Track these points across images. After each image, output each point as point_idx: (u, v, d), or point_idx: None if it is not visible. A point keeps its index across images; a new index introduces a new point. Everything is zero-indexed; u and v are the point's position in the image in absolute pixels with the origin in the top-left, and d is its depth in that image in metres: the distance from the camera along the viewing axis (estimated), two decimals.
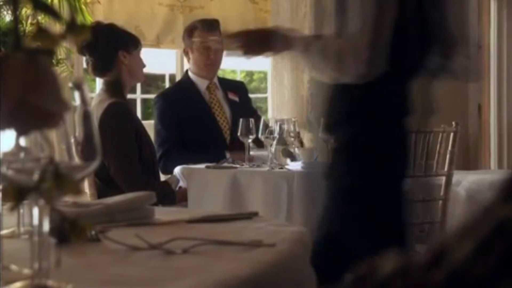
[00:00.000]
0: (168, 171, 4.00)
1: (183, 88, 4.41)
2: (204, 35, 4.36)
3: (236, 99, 4.45)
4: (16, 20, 0.88)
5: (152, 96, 6.27)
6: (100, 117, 3.46)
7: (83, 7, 4.51)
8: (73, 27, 0.83)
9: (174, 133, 4.22)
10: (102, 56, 3.65)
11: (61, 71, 4.33)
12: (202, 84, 4.39)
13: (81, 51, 3.69)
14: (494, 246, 0.51)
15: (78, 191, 0.90)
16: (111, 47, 3.66)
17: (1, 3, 4.22)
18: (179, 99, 4.31)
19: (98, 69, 3.68)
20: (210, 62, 4.35)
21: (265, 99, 6.13)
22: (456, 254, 0.52)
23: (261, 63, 6.40)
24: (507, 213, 0.52)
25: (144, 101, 6.12)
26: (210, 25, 4.41)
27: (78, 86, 0.98)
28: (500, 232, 0.51)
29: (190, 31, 4.42)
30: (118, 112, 3.54)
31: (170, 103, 4.30)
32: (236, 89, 4.53)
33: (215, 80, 4.45)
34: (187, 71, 4.51)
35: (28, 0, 0.86)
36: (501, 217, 0.52)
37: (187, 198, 3.65)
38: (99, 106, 3.49)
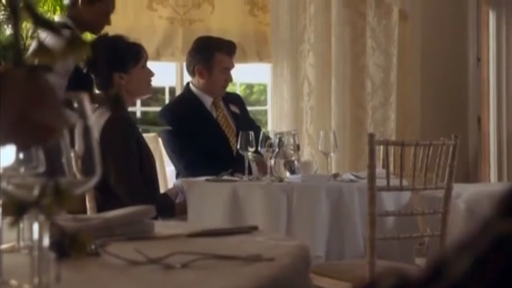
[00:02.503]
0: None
1: (188, 103, 4.41)
2: (228, 59, 4.38)
3: (237, 111, 4.48)
4: (17, 35, 0.88)
5: (152, 109, 6.28)
6: (102, 129, 3.46)
7: None
8: (73, 44, 0.84)
9: (190, 144, 4.24)
10: (99, 75, 3.65)
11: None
12: (207, 99, 4.40)
13: (83, 66, 3.68)
14: (492, 262, 0.51)
15: (78, 206, 0.91)
16: (106, 68, 3.63)
17: (2, 18, 4.23)
18: (186, 113, 4.32)
19: (98, 86, 3.68)
20: (227, 83, 4.41)
21: (265, 111, 6.14)
22: (454, 270, 0.53)
23: (261, 76, 6.42)
24: (505, 228, 0.52)
25: (144, 113, 6.12)
26: (231, 47, 4.44)
27: (78, 100, 0.98)
28: (498, 247, 0.51)
29: (209, 51, 4.39)
30: (119, 124, 3.54)
31: (178, 116, 4.31)
32: (235, 101, 4.55)
33: None
34: (188, 85, 4.49)
35: (29, 16, 0.86)
36: (499, 232, 0.52)
37: (187, 211, 3.65)
38: (100, 118, 3.49)
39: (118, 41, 3.73)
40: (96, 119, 3.45)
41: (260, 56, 5.79)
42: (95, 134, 0.99)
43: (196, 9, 5.62)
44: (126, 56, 3.66)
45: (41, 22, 0.87)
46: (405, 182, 3.19)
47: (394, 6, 5.89)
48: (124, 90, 3.62)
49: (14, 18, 0.87)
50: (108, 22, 4.19)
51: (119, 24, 5.09)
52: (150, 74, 3.76)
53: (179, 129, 4.27)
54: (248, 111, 4.74)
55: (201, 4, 5.64)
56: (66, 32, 3.90)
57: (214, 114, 4.40)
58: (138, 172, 3.57)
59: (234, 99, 4.61)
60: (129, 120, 3.66)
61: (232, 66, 4.42)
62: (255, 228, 1.79)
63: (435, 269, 0.54)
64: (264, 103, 6.14)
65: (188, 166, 4.24)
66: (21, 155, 0.94)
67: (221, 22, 5.63)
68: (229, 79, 4.42)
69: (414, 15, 5.98)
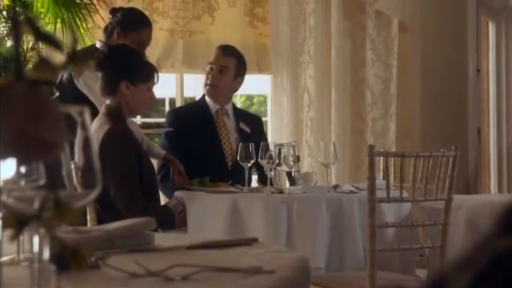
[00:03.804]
0: (165, 184, 4.11)
1: (195, 107, 4.48)
2: (213, 57, 4.41)
3: (247, 130, 4.44)
4: (18, 49, 0.89)
5: (151, 120, 6.29)
6: (101, 141, 3.46)
7: (83, 31, 4.54)
8: (73, 57, 0.84)
9: (178, 147, 4.24)
10: (107, 79, 3.64)
11: None
12: (214, 107, 4.41)
13: (95, 67, 3.69)
14: (492, 279, 0.51)
15: (79, 220, 0.91)
16: (116, 73, 3.63)
17: (3, 30, 4.25)
18: (190, 116, 4.36)
19: (103, 89, 3.67)
20: (208, 82, 4.38)
21: (265, 122, 6.14)
22: (453, 286, 0.53)
23: (261, 87, 6.43)
24: (504, 246, 0.52)
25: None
26: (224, 48, 4.48)
27: (79, 113, 0.99)
28: (498, 265, 0.51)
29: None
30: (119, 136, 3.53)
31: (179, 118, 4.36)
32: (249, 121, 4.52)
33: (228, 107, 4.46)
34: (204, 94, 4.53)
35: (29, 30, 0.87)
36: (498, 250, 0.52)
37: (187, 222, 3.64)
38: (100, 130, 3.49)
39: (138, 54, 3.75)
40: (96, 131, 3.45)
41: (260, 68, 5.80)
42: (95, 146, 0.99)
43: (196, 20, 5.64)
44: (140, 70, 3.67)
45: (42, 36, 0.87)
46: (405, 194, 3.19)
47: (394, 17, 5.90)
48: (125, 102, 3.62)
49: (15, 32, 0.87)
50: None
51: None
52: (153, 99, 3.77)
53: (177, 130, 4.30)
54: (265, 137, 4.69)
55: (201, 16, 5.66)
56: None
57: (215, 121, 4.41)
58: (137, 184, 3.57)
59: (250, 118, 4.59)
60: (128, 132, 3.65)
61: (216, 64, 4.38)
62: (255, 240, 1.79)
63: (435, 285, 0.54)
64: (264, 114, 6.15)
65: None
66: (21, 169, 0.95)
67: (221, 34, 5.64)
68: (214, 80, 4.35)
69: (414, 26, 6.00)
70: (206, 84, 4.40)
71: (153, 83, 3.72)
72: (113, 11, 4.46)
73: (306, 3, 5.77)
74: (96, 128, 3.49)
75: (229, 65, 4.39)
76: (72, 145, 0.97)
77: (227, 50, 4.48)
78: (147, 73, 3.69)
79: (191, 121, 4.33)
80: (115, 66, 3.63)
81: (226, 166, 4.30)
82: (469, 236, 3.52)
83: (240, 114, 4.54)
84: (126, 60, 3.67)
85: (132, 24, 4.38)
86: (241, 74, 4.46)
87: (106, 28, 4.44)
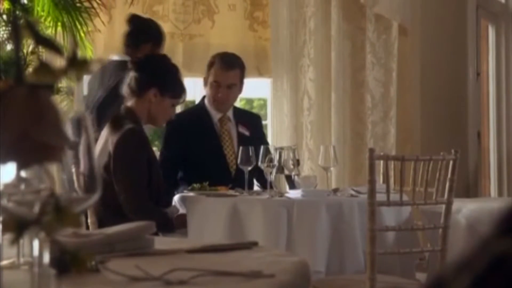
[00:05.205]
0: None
1: (196, 114, 4.44)
2: (218, 72, 4.34)
3: (247, 133, 4.42)
4: (18, 53, 0.89)
5: None
6: (116, 142, 3.47)
7: (83, 35, 4.54)
8: (74, 62, 0.84)
9: (175, 155, 4.24)
10: (139, 80, 3.67)
11: (61, 100, 4.35)
12: (215, 114, 4.39)
13: (132, 64, 3.74)
14: (491, 281, 0.51)
15: (79, 224, 0.91)
16: (151, 77, 3.67)
17: (3, 34, 4.25)
18: (191, 123, 4.34)
19: (131, 89, 3.70)
20: (218, 99, 4.34)
21: (265, 126, 6.14)
22: None
23: (261, 90, 6.42)
24: (504, 247, 0.52)
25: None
26: (227, 62, 4.38)
27: (81, 118, 0.99)
28: (497, 267, 0.51)
29: (209, 65, 4.41)
30: (135, 139, 3.55)
31: (180, 125, 4.32)
32: (249, 122, 4.50)
33: (229, 113, 4.45)
34: (203, 97, 4.51)
35: (30, 34, 0.87)
36: (498, 251, 0.52)
37: (187, 225, 3.64)
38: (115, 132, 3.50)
39: (176, 70, 3.81)
40: (110, 133, 3.46)
41: (260, 71, 5.81)
42: (96, 150, 0.99)
43: (196, 24, 5.64)
44: (172, 85, 3.73)
45: (42, 40, 0.87)
46: (405, 197, 3.19)
47: (394, 21, 5.90)
48: (147, 108, 3.67)
49: (15, 36, 0.87)
50: None
51: (120, 39, 5.10)
52: (171, 115, 3.82)
53: (172, 138, 4.28)
54: (265, 135, 4.67)
55: (201, 20, 5.66)
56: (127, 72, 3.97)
57: (218, 129, 4.39)
58: (146, 189, 3.57)
59: (249, 119, 4.56)
60: (143, 137, 3.66)
61: (223, 81, 4.34)
62: (255, 243, 1.79)
63: (434, 287, 0.54)
64: (264, 117, 6.14)
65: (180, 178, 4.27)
66: (22, 173, 0.95)
67: (221, 37, 5.65)
68: (224, 96, 4.32)
69: (414, 30, 6.00)
70: (215, 100, 4.36)
71: (178, 102, 3.80)
72: (133, 19, 4.49)
73: (306, 7, 5.77)
74: (111, 131, 3.50)
75: (237, 80, 4.37)
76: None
77: (231, 63, 4.38)
78: (178, 90, 3.76)
79: (193, 128, 4.32)
80: (152, 71, 3.70)
81: (229, 172, 4.30)
82: (469, 239, 3.52)
83: (239, 116, 4.52)
84: (164, 70, 3.73)
85: (160, 38, 4.48)
86: (243, 78, 4.46)
87: (129, 37, 4.43)
